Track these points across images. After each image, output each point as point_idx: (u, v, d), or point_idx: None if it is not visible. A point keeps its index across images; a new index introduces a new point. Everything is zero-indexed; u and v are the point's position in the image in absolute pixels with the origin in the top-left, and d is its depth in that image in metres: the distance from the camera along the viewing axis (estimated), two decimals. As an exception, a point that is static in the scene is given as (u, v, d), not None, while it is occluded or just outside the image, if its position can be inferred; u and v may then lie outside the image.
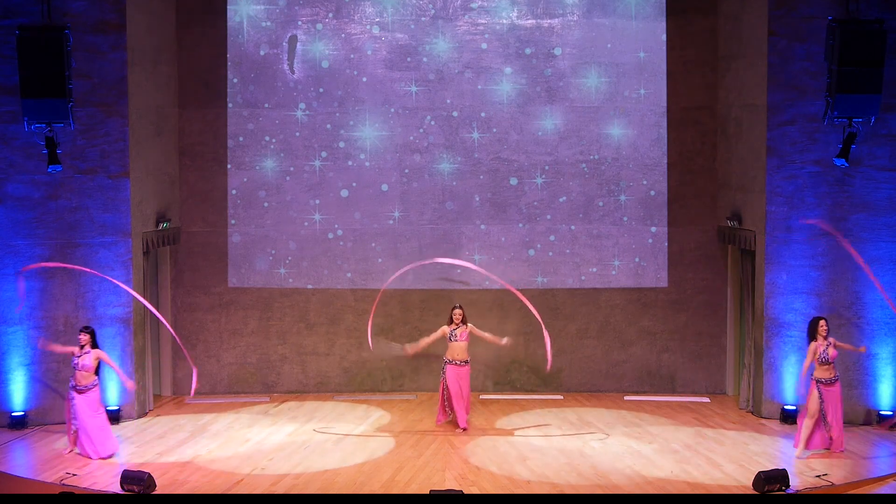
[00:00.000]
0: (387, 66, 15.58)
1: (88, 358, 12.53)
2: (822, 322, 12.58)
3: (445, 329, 13.72)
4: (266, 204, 15.64)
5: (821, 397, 12.46)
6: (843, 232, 13.71)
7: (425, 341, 13.87)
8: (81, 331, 12.71)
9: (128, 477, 11.16)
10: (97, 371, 12.62)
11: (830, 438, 12.49)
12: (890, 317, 13.69)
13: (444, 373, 13.70)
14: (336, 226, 15.66)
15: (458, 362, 13.63)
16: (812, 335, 12.58)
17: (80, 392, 12.49)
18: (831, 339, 12.55)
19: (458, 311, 13.72)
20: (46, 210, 13.85)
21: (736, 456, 12.41)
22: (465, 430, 13.44)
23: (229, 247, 15.64)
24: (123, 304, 13.98)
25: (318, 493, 11.07)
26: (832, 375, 12.52)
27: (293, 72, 15.56)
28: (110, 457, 12.38)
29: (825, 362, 12.46)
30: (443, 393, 13.74)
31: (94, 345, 12.67)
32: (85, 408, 12.43)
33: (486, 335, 13.76)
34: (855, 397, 13.72)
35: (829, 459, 12.25)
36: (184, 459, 12.36)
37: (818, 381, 12.50)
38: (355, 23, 15.54)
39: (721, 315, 15.45)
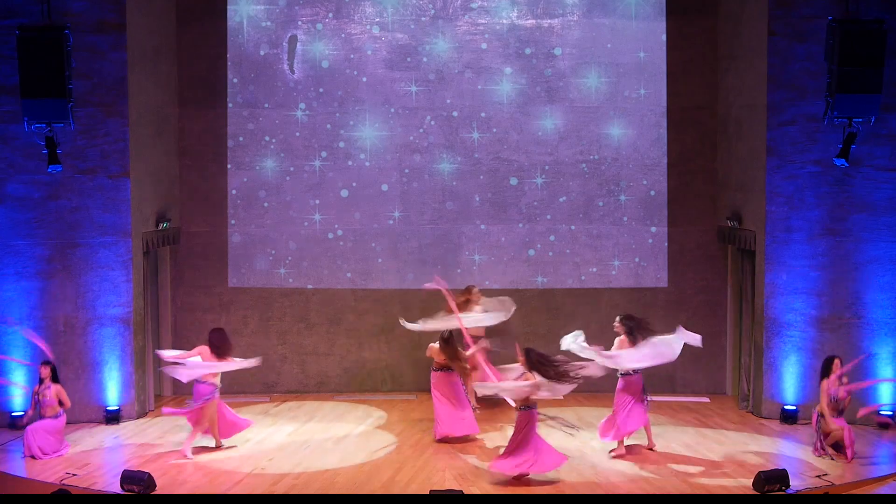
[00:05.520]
0: (387, 66, 15.58)
1: (50, 392, 12.55)
2: (836, 361, 12.43)
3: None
4: (266, 204, 15.64)
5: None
6: (842, 232, 13.72)
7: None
8: (42, 364, 12.68)
9: (128, 477, 11.16)
10: (60, 403, 12.60)
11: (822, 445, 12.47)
12: (890, 317, 13.69)
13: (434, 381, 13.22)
14: (336, 226, 15.66)
15: (449, 369, 13.18)
16: (826, 373, 12.45)
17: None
18: (845, 380, 12.40)
19: None
20: (46, 210, 13.85)
21: (736, 456, 12.40)
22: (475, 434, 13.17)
23: (229, 247, 15.63)
24: (123, 304, 13.97)
25: (318, 493, 11.07)
26: (839, 410, 12.38)
27: (293, 72, 15.56)
28: (58, 455, 12.44)
29: (835, 401, 12.36)
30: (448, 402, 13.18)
31: (55, 378, 12.66)
32: (45, 429, 12.41)
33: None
34: (854, 397, 13.68)
35: (828, 460, 12.25)
36: (184, 459, 12.35)
37: (820, 415, 12.39)
38: (355, 23, 15.54)
39: (721, 315, 15.44)
